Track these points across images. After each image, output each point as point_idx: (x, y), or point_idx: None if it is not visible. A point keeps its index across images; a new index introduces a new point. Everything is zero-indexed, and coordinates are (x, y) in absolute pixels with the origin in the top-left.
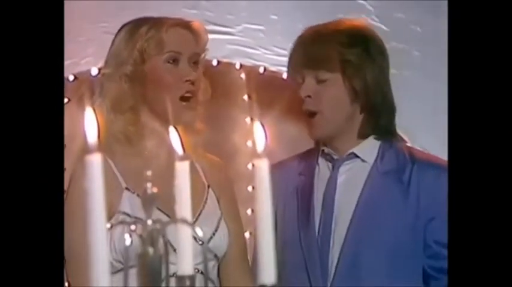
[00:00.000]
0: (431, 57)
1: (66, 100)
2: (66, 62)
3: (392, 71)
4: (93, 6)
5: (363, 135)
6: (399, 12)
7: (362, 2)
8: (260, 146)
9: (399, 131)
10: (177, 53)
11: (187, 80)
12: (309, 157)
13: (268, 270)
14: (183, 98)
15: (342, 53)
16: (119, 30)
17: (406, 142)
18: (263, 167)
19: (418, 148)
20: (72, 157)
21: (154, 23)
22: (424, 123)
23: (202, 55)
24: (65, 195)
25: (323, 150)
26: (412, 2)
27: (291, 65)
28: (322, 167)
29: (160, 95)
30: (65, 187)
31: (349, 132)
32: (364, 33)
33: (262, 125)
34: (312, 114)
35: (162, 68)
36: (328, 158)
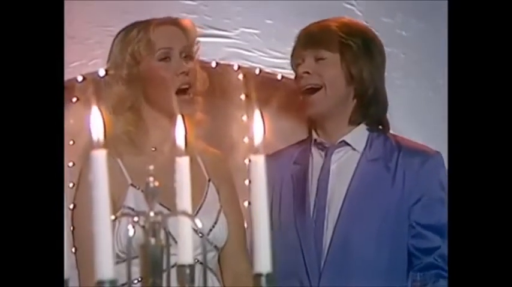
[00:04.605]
0: (414, 59)
1: (74, 99)
2: (75, 63)
3: None
4: (100, 10)
5: (353, 122)
6: (386, 17)
7: (351, 7)
8: (258, 137)
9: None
10: (168, 48)
11: (181, 73)
12: (302, 147)
13: (263, 259)
14: (180, 91)
15: (343, 37)
16: (115, 36)
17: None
18: (259, 162)
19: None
20: (80, 152)
21: (143, 26)
22: (410, 119)
23: (195, 48)
24: (75, 188)
25: (315, 139)
26: (398, 8)
27: (293, 53)
28: (315, 156)
29: (158, 92)
30: (75, 181)
31: (341, 116)
32: (365, 30)
33: (262, 116)
34: (311, 91)
35: (156, 66)
36: (320, 147)
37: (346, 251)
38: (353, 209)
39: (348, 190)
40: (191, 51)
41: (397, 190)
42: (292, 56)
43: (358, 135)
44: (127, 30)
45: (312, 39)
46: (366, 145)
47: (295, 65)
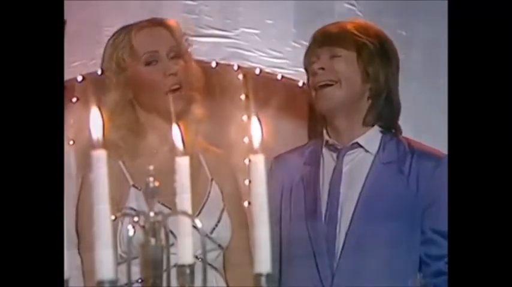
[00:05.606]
0: (415, 59)
1: (74, 99)
2: (75, 63)
3: None
4: (100, 10)
5: (367, 123)
6: (386, 17)
7: (351, 7)
8: (256, 140)
9: None
10: (153, 52)
11: (170, 74)
12: (312, 148)
13: (263, 259)
14: (172, 91)
15: (359, 37)
16: (108, 40)
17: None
18: (259, 162)
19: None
20: (80, 151)
21: (127, 31)
22: (410, 119)
23: (185, 46)
24: (79, 187)
25: (327, 141)
26: (398, 8)
27: (307, 52)
28: (327, 158)
29: (150, 96)
30: (75, 181)
31: (355, 116)
32: (381, 33)
33: (259, 121)
34: (324, 86)
35: (143, 71)
36: (332, 148)
37: (358, 255)
38: (366, 212)
39: (360, 193)
40: (179, 50)
41: (411, 194)
42: (306, 55)
43: (372, 138)
44: (117, 34)
45: (327, 38)
46: (379, 148)
47: (309, 64)
